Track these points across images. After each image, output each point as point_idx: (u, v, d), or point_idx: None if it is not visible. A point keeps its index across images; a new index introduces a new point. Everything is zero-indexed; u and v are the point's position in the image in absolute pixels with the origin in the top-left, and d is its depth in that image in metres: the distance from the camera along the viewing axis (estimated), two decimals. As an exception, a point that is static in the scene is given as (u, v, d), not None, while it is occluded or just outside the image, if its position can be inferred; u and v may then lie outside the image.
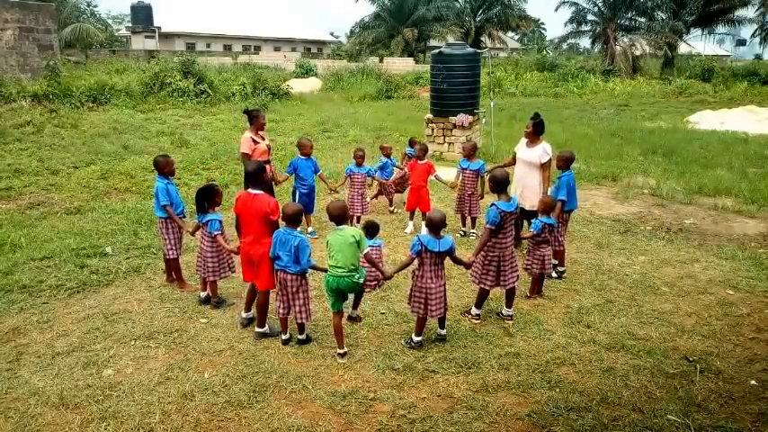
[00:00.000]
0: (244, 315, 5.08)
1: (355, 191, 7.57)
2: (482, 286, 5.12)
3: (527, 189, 6.47)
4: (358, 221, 7.46)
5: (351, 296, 4.97)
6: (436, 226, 4.54)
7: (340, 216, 4.53)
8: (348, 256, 4.43)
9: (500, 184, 5.02)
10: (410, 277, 4.75)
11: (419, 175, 7.50)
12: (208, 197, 5.27)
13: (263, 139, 7.03)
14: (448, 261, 4.68)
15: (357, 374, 4.30)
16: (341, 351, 4.55)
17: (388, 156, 8.74)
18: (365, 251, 4.55)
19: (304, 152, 7.28)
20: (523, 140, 6.62)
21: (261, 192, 4.71)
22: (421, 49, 46.65)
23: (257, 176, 4.75)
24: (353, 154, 7.70)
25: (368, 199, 7.95)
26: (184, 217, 5.68)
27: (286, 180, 7.69)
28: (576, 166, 6.47)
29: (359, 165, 7.60)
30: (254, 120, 6.93)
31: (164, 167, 5.65)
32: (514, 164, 6.71)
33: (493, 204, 4.93)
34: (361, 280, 4.61)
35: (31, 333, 4.90)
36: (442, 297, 4.62)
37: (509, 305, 5.23)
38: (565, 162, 6.18)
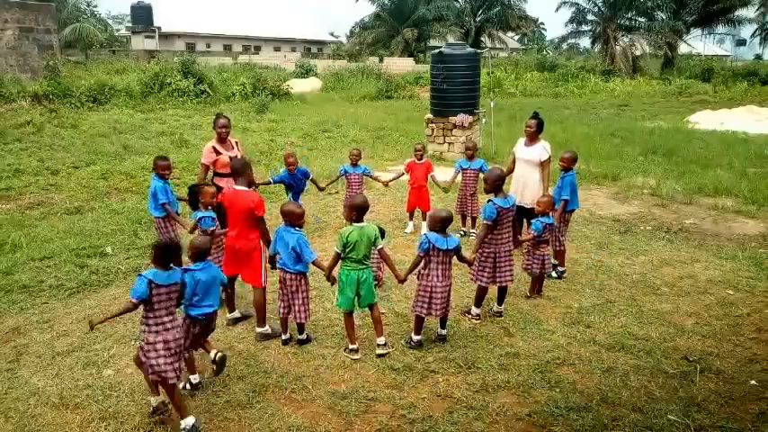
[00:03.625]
0: (228, 316, 5.09)
1: (352, 191, 7.55)
2: (479, 283, 5.13)
3: (527, 187, 6.47)
4: None
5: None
6: (443, 223, 4.52)
7: (362, 210, 4.44)
8: (366, 251, 4.41)
9: (494, 184, 5.02)
10: (416, 277, 4.72)
11: (419, 174, 7.52)
12: (199, 194, 5.32)
13: (233, 148, 6.35)
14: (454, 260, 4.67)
15: (357, 374, 4.30)
16: (353, 347, 4.54)
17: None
18: (380, 246, 4.49)
19: (289, 169, 6.90)
20: (521, 140, 6.62)
21: (244, 188, 4.75)
22: (421, 49, 46.70)
23: (239, 172, 4.79)
24: (349, 153, 7.70)
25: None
26: (179, 214, 5.71)
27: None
28: (576, 166, 6.48)
29: (354, 164, 7.59)
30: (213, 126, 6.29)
31: (160, 168, 5.65)
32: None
33: (490, 201, 4.95)
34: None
35: (31, 333, 4.90)
36: (446, 297, 4.61)
37: (500, 302, 5.26)
38: (568, 163, 6.18)
